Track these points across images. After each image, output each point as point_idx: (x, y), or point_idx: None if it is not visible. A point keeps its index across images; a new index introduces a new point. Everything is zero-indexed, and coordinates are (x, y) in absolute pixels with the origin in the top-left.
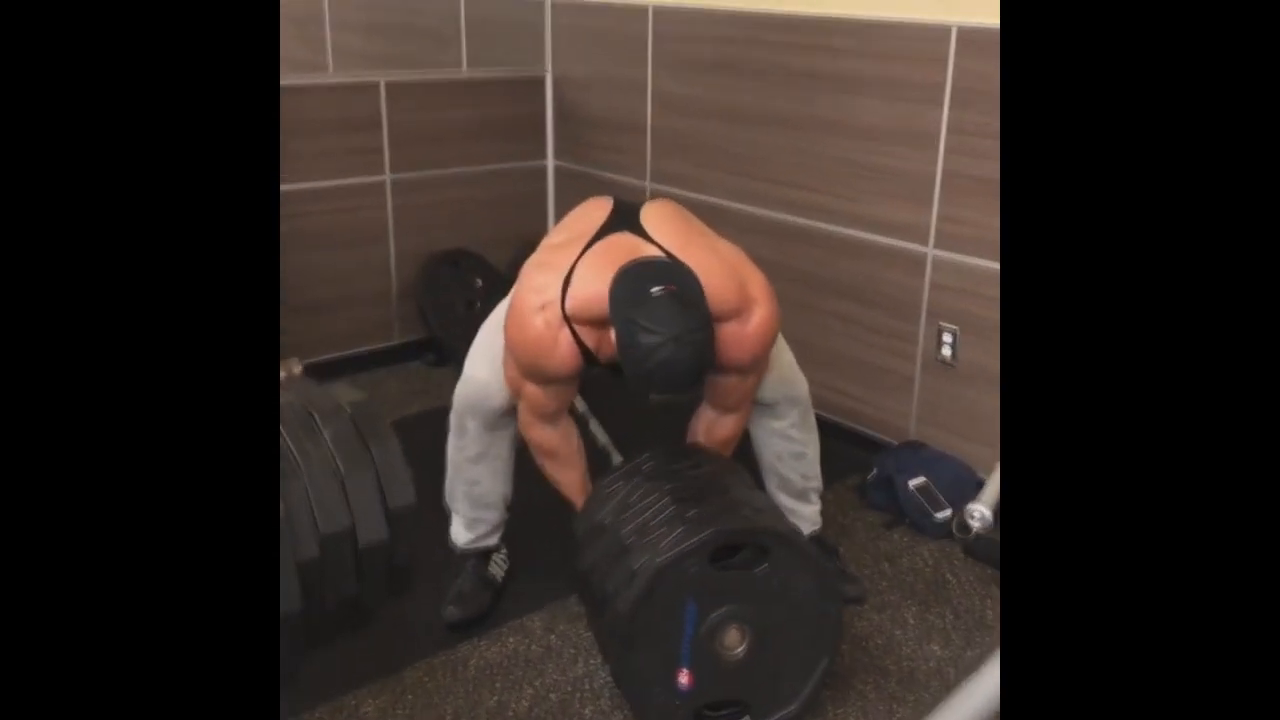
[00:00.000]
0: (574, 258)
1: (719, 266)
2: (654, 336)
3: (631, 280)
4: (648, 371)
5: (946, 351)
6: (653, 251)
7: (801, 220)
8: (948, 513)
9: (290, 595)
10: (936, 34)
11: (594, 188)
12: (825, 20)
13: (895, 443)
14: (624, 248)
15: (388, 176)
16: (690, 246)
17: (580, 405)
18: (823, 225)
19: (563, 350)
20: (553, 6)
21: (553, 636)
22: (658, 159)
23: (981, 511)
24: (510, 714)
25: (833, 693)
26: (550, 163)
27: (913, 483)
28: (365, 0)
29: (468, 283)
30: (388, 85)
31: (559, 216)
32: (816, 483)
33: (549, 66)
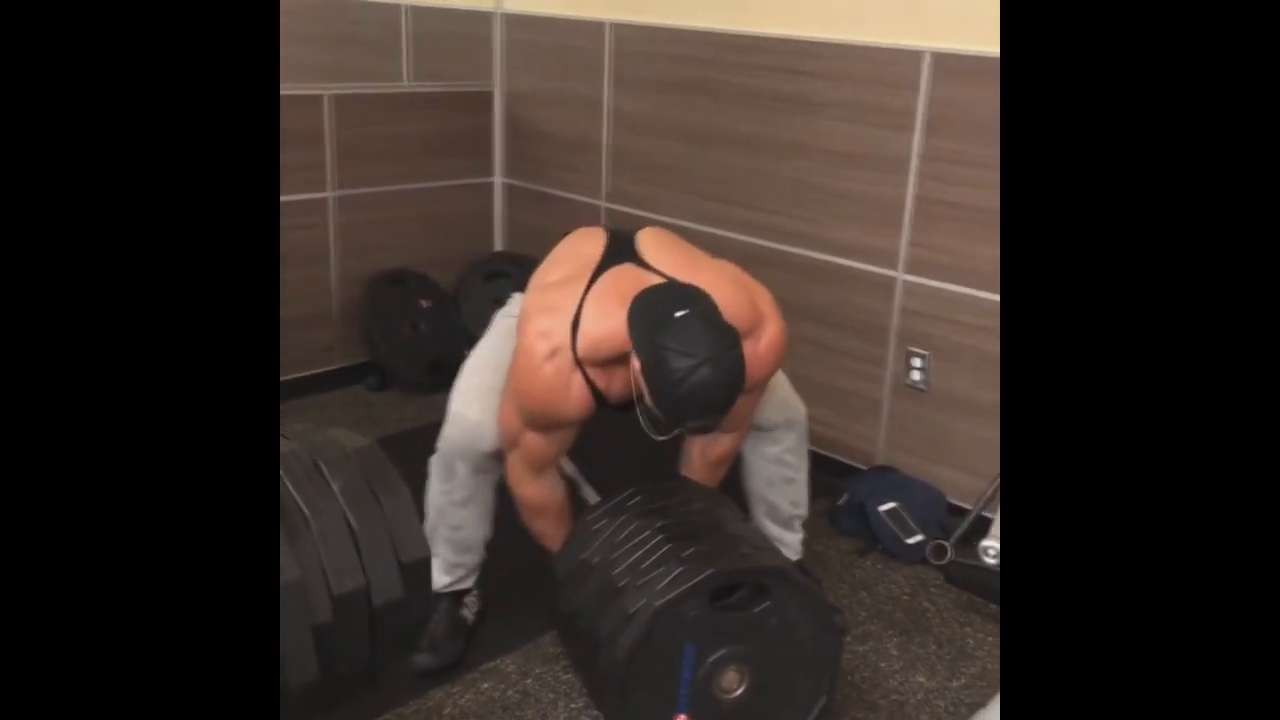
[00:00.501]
0: (579, 296)
1: (727, 285)
2: (688, 359)
3: (651, 306)
4: (682, 398)
5: (916, 376)
6: (658, 281)
7: (768, 243)
8: (919, 538)
9: (304, 664)
10: (909, 59)
11: (545, 205)
12: (794, 42)
13: (863, 467)
14: (629, 281)
15: (330, 193)
16: (693, 268)
17: None
18: (790, 249)
19: (575, 395)
20: (503, 20)
21: (529, 680)
22: (614, 178)
23: (996, 547)
24: None
25: None
26: (498, 180)
27: (883, 508)
28: (303, 9)
29: (413, 304)
30: (332, 98)
31: (507, 235)
32: (803, 510)
33: (498, 81)
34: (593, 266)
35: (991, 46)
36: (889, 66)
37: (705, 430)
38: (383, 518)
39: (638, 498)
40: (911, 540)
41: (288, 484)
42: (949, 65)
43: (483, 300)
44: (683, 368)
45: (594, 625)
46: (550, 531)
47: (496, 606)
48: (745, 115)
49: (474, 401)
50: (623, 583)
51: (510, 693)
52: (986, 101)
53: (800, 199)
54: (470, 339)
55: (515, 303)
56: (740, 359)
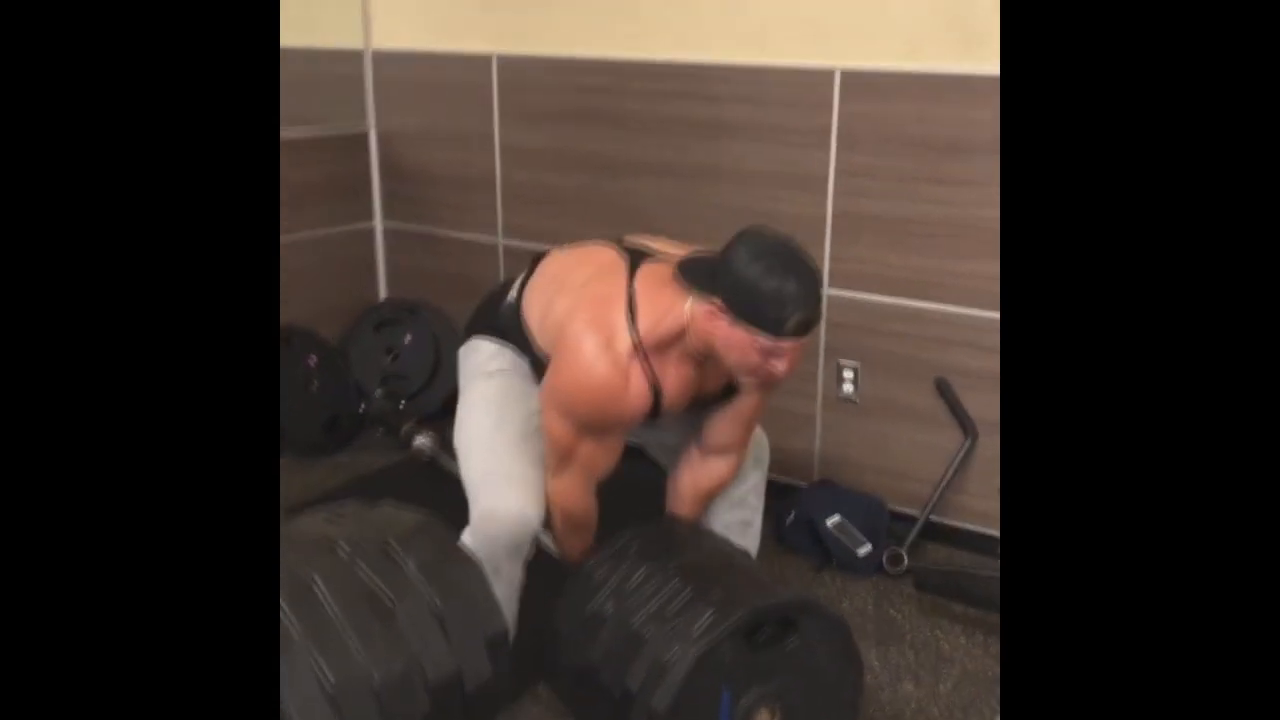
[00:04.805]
0: (624, 287)
1: None
2: (762, 247)
3: (700, 257)
4: (777, 287)
5: (848, 388)
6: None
7: None
8: (868, 548)
9: None
10: (819, 78)
11: (434, 247)
12: (699, 67)
13: (802, 484)
14: (666, 269)
15: None
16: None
17: None
18: None
19: (635, 388)
20: (374, 58)
21: None
22: (511, 214)
23: None
24: None
25: None
26: (379, 224)
27: (830, 522)
28: None
29: (301, 361)
30: None
31: (392, 281)
32: (753, 556)
33: (372, 122)
34: (624, 265)
35: (896, 62)
36: (801, 87)
37: (808, 326)
38: (460, 594)
39: (638, 542)
40: (862, 551)
41: (366, 569)
42: (858, 82)
43: (373, 351)
44: (762, 258)
45: (618, 678)
46: (578, 544)
47: None
48: (655, 142)
49: (504, 490)
50: (648, 632)
51: None
52: (895, 116)
53: (720, 222)
54: (363, 393)
55: (479, 353)
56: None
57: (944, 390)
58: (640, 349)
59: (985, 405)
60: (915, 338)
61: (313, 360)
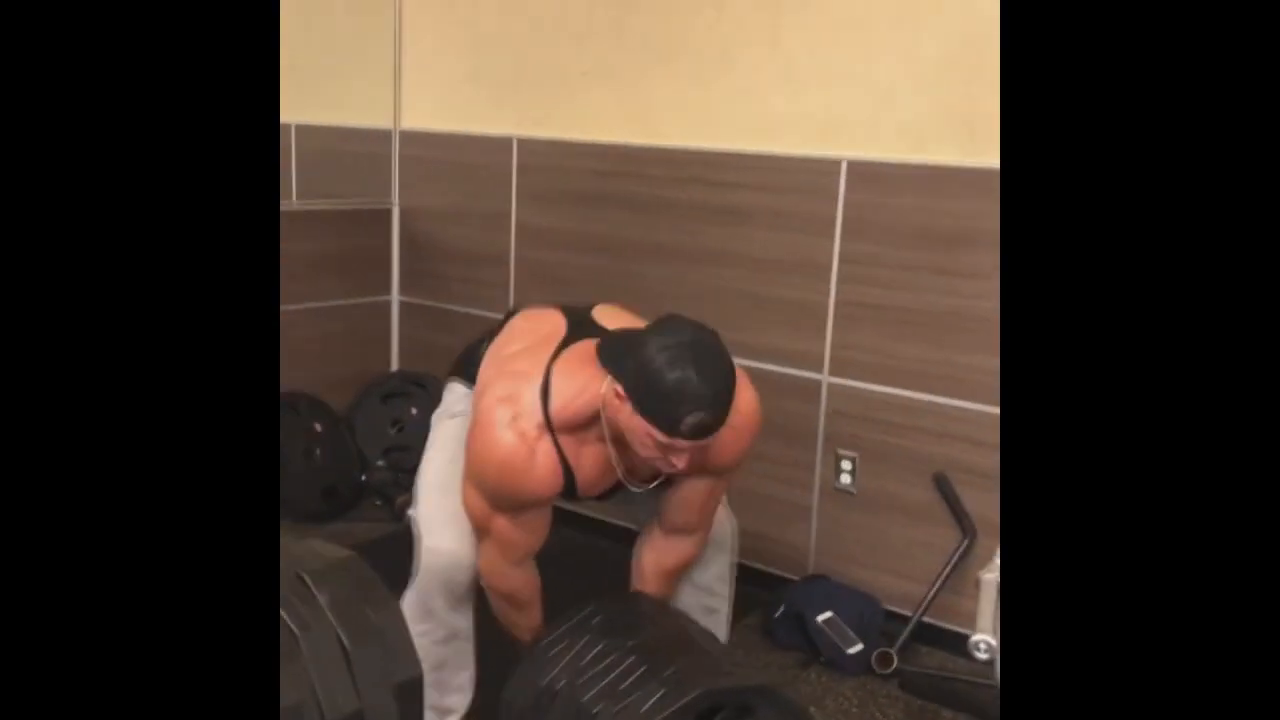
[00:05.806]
0: (545, 364)
1: None
2: (673, 339)
3: (621, 336)
4: (676, 383)
5: (846, 479)
6: None
7: None
8: (859, 646)
9: None
10: (827, 168)
11: (446, 322)
12: (710, 154)
13: (795, 577)
14: (593, 348)
15: None
16: None
17: None
18: None
19: (541, 464)
20: (401, 137)
21: None
22: (523, 291)
23: (987, 641)
24: None
25: None
26: (395, 298)
27: (821, 618)
28: None
29: (305, 429)
30: None
31: (404, 354)
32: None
33: (395, 198)
34: (557, 340)
35: (902, 155)
36: (809, 176)
37: (706, 430)
38: (374, 634)
39: (599, 616)
40: (852, 650)
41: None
42: (864, 173)
43: (379, 422)
44: (669, 349)
45: None
46: (520, 621)
47: None
48: (666, 225)
49: (444, 530)
50: (597, 708)
51: None
52: (899, 207)
53: (723, 306)
54: (365, 463)
55: (451, 394)
56: (724, 348)
57: (943, 486)
58: (549, 427)
59: (985, 503)
60: (915, 430)
61: (318, 427)
